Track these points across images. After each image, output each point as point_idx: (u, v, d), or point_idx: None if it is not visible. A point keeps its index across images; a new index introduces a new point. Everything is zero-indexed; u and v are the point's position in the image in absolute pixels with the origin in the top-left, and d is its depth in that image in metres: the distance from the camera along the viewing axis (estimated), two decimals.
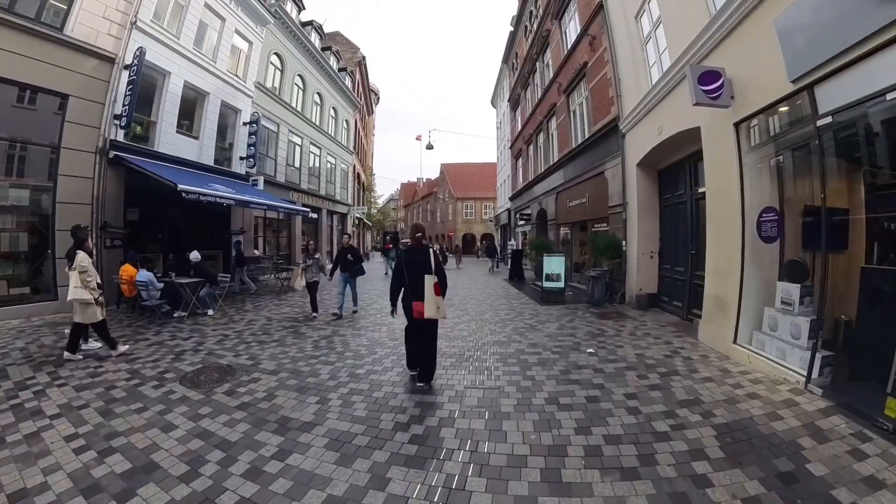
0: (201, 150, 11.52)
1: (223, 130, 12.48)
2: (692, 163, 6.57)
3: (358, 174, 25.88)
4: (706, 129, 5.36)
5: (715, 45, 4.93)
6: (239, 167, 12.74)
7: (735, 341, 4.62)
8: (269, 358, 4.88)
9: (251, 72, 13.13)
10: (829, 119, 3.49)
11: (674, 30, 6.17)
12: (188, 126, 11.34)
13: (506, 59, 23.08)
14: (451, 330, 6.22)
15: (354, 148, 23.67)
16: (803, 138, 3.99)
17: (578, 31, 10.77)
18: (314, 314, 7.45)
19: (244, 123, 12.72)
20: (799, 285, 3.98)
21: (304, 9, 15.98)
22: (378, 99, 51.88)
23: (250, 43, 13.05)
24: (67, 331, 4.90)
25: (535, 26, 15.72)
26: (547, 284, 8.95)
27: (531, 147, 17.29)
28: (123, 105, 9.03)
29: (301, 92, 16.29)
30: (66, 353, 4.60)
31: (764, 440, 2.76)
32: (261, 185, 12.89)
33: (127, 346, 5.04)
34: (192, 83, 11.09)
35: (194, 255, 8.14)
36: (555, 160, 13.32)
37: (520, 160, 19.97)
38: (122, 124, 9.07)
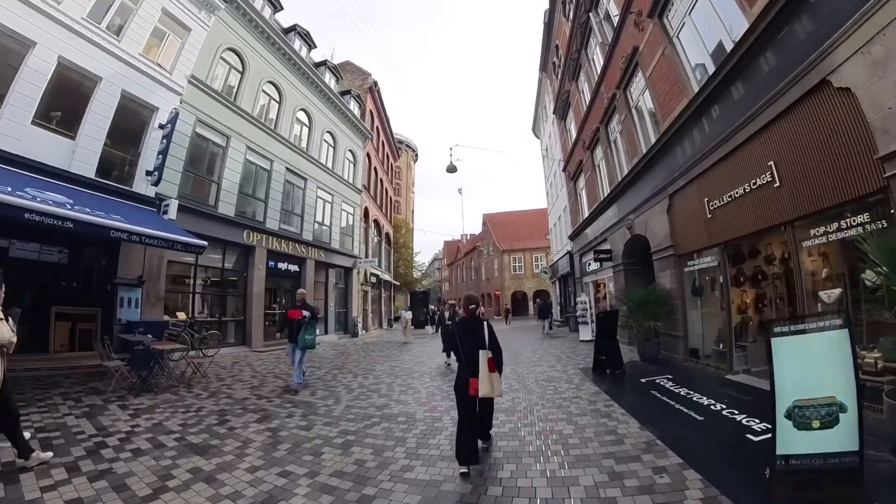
0: (75, 154, 7.41)
1: (128, 134, 8.47)
2: None
3: (376, 220, 21.45)
4: None
5: None
6: (144, 187, 8.46)
7: None
8: None
9: (184, 64, 9.41)
10: None
11: None
12: (62, 120, 7.43)
13: (543, 66, 18.79)
14: None
15: (367, 186, 19.52)
16: None
17: None
18: None
19: (160, 126, 8.69)
20: None
21: (281, 9, 12.78)
22: (417, 156, 50.34)
23: (187, 29, 9.54)
24: None
25: None
26: (803, 436, 2.20)
27: (598, 150, 11.59)
28: None
29: (275, 104, 12.51)
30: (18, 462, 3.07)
31: None
32: (172, 214, 8.36)
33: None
34: (74, 61, 7.37)
35: None
36: (655, 140, 7.44)
37: (580, 180, 14.20)
38: None
